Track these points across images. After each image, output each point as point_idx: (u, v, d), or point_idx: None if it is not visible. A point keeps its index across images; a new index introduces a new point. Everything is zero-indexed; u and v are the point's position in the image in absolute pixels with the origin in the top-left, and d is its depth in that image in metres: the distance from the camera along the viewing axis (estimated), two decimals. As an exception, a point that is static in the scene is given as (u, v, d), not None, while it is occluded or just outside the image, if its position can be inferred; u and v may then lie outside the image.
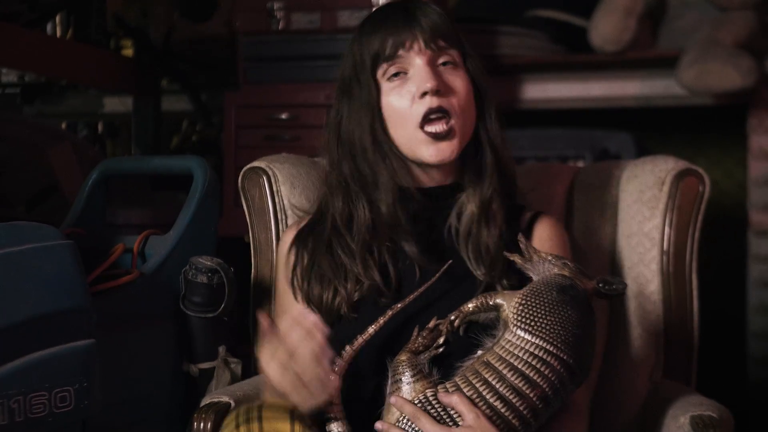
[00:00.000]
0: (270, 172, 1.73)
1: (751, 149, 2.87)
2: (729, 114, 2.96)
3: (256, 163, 1.75)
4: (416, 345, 1.33)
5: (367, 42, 1.44)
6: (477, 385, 1.26)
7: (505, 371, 1.26)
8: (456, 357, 1.33)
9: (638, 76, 2.98)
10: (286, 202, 1.72)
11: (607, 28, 2.84)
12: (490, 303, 1.33)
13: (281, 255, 1.55)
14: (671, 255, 1.66)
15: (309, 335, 1.25)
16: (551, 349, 1.27)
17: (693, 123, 3.27)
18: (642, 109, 3.04)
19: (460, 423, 1.25)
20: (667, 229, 1.67)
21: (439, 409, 1.27)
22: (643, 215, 1.68)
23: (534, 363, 1.26)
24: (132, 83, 3.19)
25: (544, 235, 1.50)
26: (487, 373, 1.27)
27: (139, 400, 1.65)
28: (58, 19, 3.19)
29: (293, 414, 1.23)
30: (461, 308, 1.35)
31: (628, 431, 1.66)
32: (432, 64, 1.42)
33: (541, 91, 3.06)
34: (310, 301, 1.46)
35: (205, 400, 1.51)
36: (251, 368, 1.72)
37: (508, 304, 1.31)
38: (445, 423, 1.26)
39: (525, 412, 1.26)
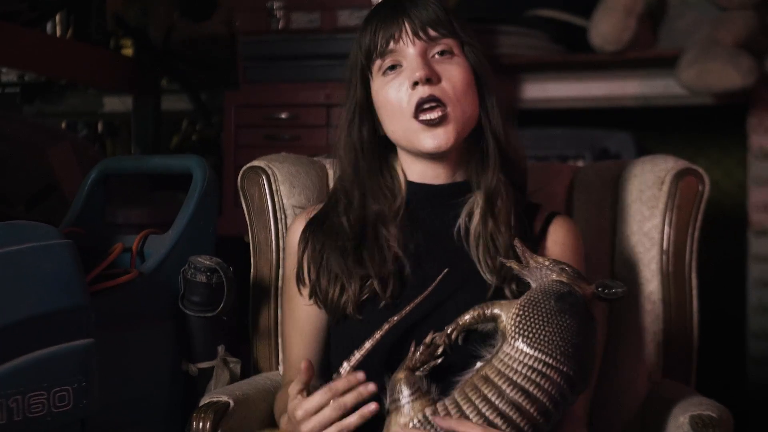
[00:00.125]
0: (269, 172, 1.73)
1: (751, 149, 2.87)
2: (729, 114, 2.96)
3: (255, 163, 1.75)
4: (414, 362, 1.29)
5: (361, 40, 1.45)
6: (476, 402, 1.24)
7: (504, 386, 1.24)
8: (455, 369, 1.30)
9: (638, 75, 2.98)
10: (285, 201, 1.72)
11: (607, 28, 2.83)
12: (488, 314, 1.30)
13: (291, 245, 1.54)
14: (671, 254, 1.66)
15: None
16: (551, 361, 1.24)
17: (693, 123, 3.27)
18: (642, 108, 3.03)
19: None
20: (666, 228, 1.66)
21: (439, 430, 1.24)
22: (643, 215, 1.68)
23: (533, 377, 1.24)
24: (132, 83, 3.19)
25: (558, 239, 1.48)
26: (486, 388, 1.24)
27: (138, 399, 1.64)
28: (58, 18, 3.18)
29: None
30: (458, 320, 1.31)
31: (627, 431, 1.66)
32: (423, 55, 1.41)
33: (541, 90, 3.06)
34: (316, 295, 1.46)
35: (204, 400, 1.51)
36: (250, 368, 1.72)
37: (505, 314, 1.28)
38: None
39: (526, 428, 1.23)
